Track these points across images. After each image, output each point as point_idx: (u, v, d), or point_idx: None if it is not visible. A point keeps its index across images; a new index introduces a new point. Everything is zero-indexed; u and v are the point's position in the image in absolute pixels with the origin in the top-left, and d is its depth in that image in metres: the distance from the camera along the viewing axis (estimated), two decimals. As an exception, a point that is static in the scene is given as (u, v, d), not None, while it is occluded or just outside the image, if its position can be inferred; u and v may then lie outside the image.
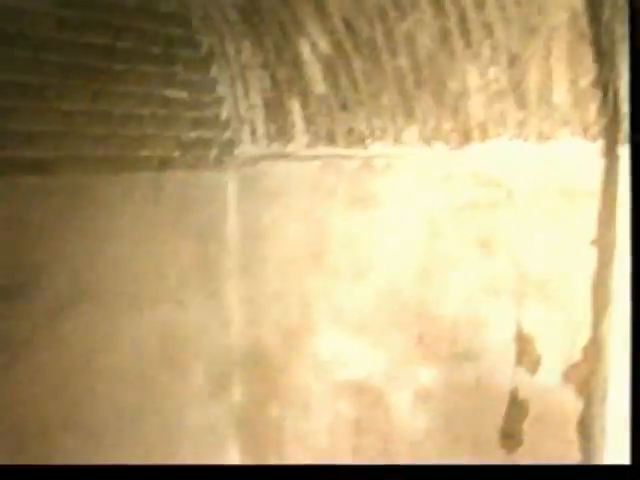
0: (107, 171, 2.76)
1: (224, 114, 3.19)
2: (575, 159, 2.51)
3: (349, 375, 3.05)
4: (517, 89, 2.53)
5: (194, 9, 2.96)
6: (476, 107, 2.63)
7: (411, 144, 2.81)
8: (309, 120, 3.02)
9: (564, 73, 2.43)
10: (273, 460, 3.29)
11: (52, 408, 2.65)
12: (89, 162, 2.69)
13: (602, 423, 2.64)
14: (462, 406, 2.79)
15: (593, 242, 2.49)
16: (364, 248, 2.96)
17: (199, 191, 3.14)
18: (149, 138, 2.89)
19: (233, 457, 3.37)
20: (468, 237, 2.73)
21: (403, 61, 2.70)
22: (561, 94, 2.47)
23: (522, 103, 2.55)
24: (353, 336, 3.02)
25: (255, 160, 3.21)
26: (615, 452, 2.59)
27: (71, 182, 2.65)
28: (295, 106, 3.03)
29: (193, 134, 3.06)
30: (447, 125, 2.72)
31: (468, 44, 2.55)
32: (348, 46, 2.77)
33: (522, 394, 2.65)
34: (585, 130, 2.48)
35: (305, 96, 2.98)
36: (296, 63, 2.92)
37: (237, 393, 3.35)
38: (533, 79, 2.49)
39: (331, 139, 2.99)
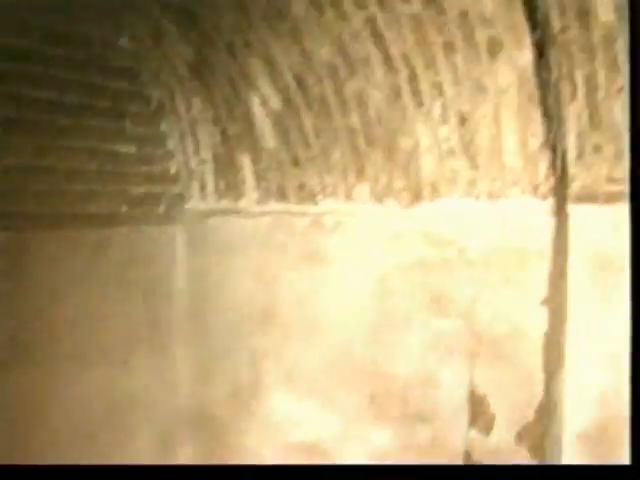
0: (51, 227, 2.68)
1: (173, 169, 3.15)
2: (526, 217, 2.52)
3: (301, 436, 2.97)
4: (468, 148, 2.55)
5: (144, 63, 2.93)
6: (427, 165, 2.64)
7: (362, 201, 2.81)
8: (260, 176, 2.99)
9: (514, 133, 2.46)
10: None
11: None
12: (31, 218, 2.62)
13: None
14: (416, 468, 2.74)
15: (544, 302, 2.49)
16: (314, 306, 2.92)
17: (147, 247, 3.07)
18: (95, 193, 2.82)
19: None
20: (419, 296, 2.70)
21: (354, 118, 2.70)
22: (511, 153, 2.49)
23: (473, 162, 2.56)
24: (304, 396, 2.95)
25: (204, 215, 3.16)
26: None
27: (13, 238, 2.57)
28: (246, 162, 3.00)
29: (141, 189, 3.01)
30: (398, 183, 2.71)
31: (419, 103, 2.56)
32: (299, 102, 2.76)
33: (476, 455, 2.61)
34: (535, 189, 2.49)
35: (256, 151, 2.96)
36: (246, 118, 2.90)
37: (185, 454, 3.24)
38: (484, 138, 2.51)
39: (282, 195, 2.96)
